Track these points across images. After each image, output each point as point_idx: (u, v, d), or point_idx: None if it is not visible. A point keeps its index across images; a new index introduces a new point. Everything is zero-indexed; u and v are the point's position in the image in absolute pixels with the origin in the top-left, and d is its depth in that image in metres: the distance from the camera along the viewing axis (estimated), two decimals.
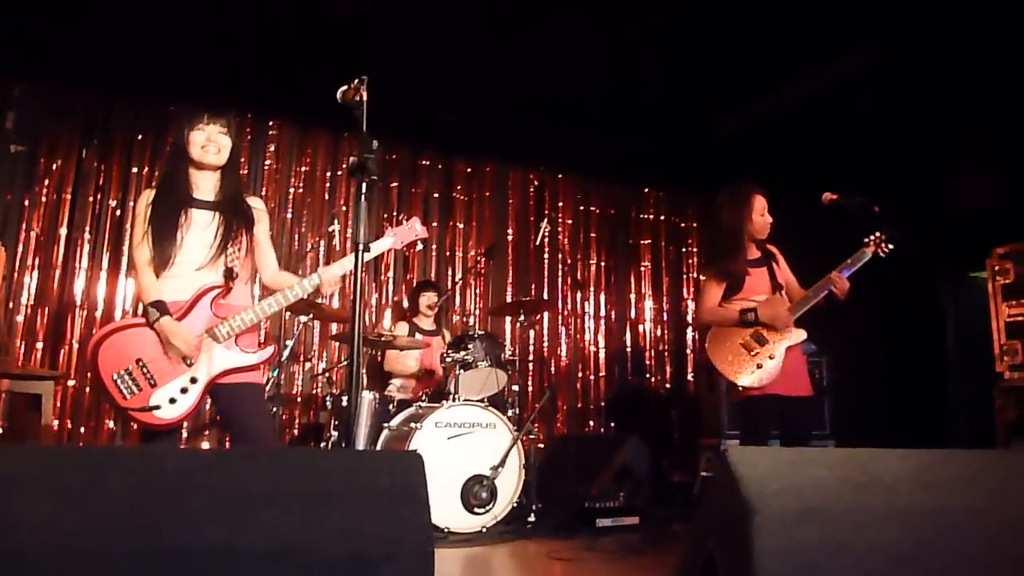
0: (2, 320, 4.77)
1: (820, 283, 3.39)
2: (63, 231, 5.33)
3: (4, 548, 1.20)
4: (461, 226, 6.62)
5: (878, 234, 3.41)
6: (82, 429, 5.19)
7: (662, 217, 7.54)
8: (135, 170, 5.57)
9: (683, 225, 7.64)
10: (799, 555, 1.65)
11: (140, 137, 5.60)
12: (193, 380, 2.56)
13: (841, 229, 3.56)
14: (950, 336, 5.47)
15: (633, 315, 7.25)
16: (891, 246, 3.39)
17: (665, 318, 7.39)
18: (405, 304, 6.07)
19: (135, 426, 2.55)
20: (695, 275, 7.55)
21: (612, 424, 6.81)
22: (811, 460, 1.86)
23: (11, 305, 5.07)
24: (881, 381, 5.85)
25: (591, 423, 6.84)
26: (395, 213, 6.30)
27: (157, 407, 2.50)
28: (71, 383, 5.20)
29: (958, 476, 1.90)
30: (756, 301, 3.42)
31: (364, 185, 2.13)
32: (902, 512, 1.76)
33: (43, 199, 5.31)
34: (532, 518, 4.36)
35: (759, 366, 3.32)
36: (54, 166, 5.37)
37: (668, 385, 7.22)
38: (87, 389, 5.22)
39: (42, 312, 5.22)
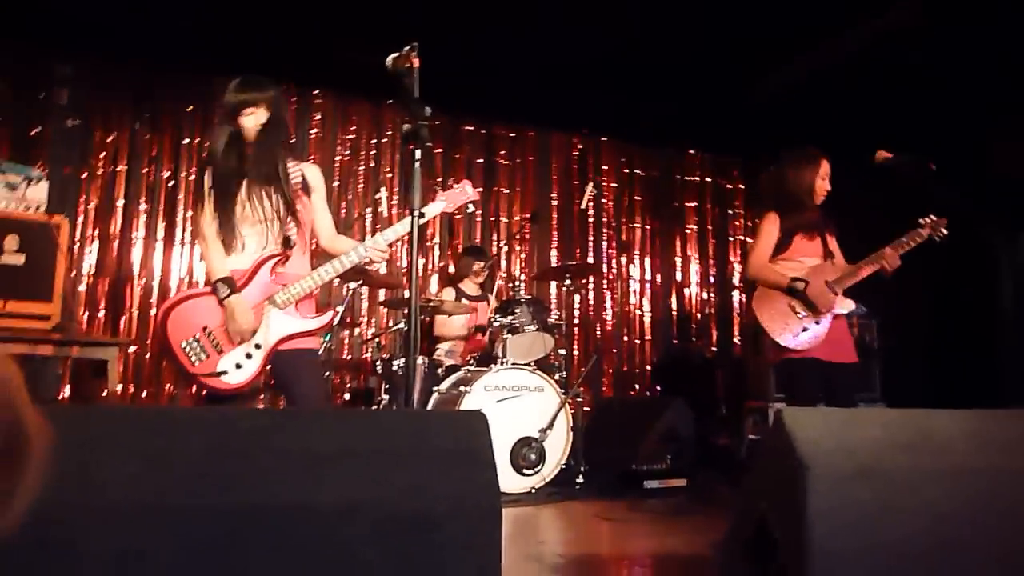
0: (68, 288, 4.95)
1: (871, 258, 3.35)
2: (119, 203, 5.49)
3: (91, 504, 1.28)
4: (505, 191, 6.64)
5: (935, 217, 3.35)
6: (144, 394, 5.39)
7: (707, 179, 7.44)
8: (186, 141, 5.70)
9: (728, 187, 7.53)
10: (852, 513, 1.67)
11: (189, 109, 5.72)
12: (257, 346, 2.65)
13: (889, 194, 3.50)
14: (1003, 296, 5.35)
15: (679, 278, 7.22)
16: (945, 231, 3.33)
17: (711, 281, 7.34)
18: (451, 269, 6.13)
19: (203, 392, 2.66)
20: (741, 237, 7.46)
21: (658, 388, 6.82)
22: (864, 420, 1.87)
23: (74, 274, 5.26)
24: (933, 342, 5.77)
25: (636, 387, 6.87)
26: (440, 179, 6.34)
27: (224, 372, 2.60)
28: (132, 349, 5.40)
29: (1011, 437, 1.89)
30: (807, 267, 3.40)
31: (418, 152, 2.16)
32: (955, 472, 1.77)
33: (99, 172, 5.47)
34: (580, 479, 4.43)
35: (804, 329, 3.31)
36: (108, 139, 5.51)
37: (714, 348, 7.20)
38: (147, 355, 5.41)
39: (102, 281, 5.41)
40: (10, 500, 0.60)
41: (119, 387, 5.17)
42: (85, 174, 5.42)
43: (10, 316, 3.42)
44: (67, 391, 5.14)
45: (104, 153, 5.50)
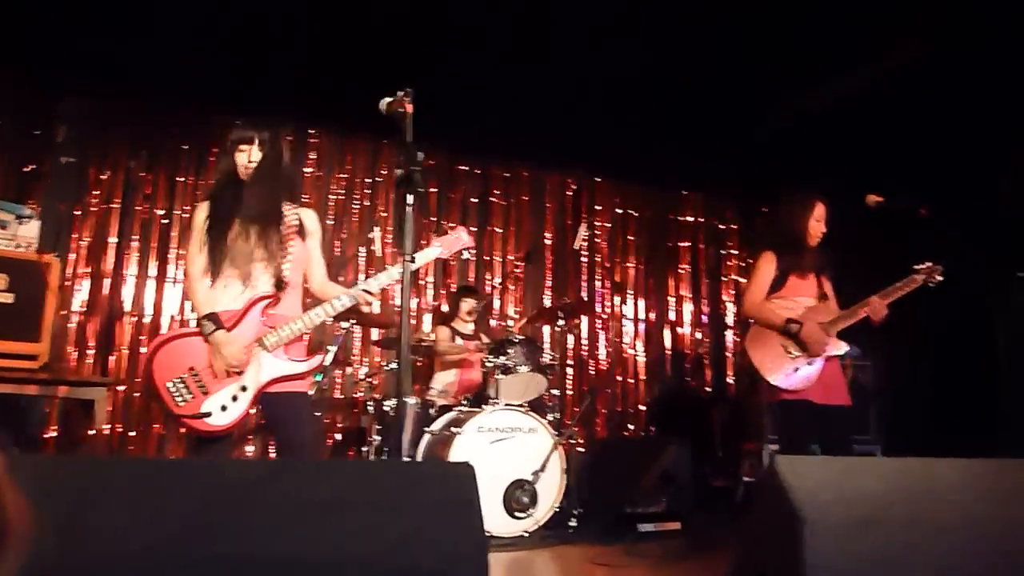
0: (58, 327, 4.91)
1: (858, 305, 3.37)
2: (112, 240, 5.48)
3: (79, 556, 1.24)
4: (500, 231, 6.65)
5: (930, 264, 3.38)
6: (132, 433, 5.31)
7: (701, 219, 7.47)
8: (181, 179, 5.71)
9: (722, 227, 7.55)
10: (851, 567, 1.63)
11: (185, 147, 5.73)
12: (243, 388, 2.61)
13: (888, 236, 3.53)
14: (999, 339, 5.34)
15: (672, 318, 7.20)
16: (940, 278, 3.36)
17: (705, 321, 7.32)
18: (445, 308, 6.11)
19: (185, 431, 2.62)
20: (734, 277, 7.47)
21: (653, 428, 6.77)
22: (862, 470, 1.84)
23: (64, 312, 5.21)
24: (928, 386, 5.73)
25: (631, 427, 6.81)
26: (433, 218, 6.35)
27: (208, 414, 2.56)
28: (121, 388, 5.33)
29: (1014, 486, 1.86)
30: (802, 306, 3.41)
31: (410, 197, 2.15)
32: (957, 523, 1.73)
33: (93, 209, 5.46)
34: (574, 523, 4.36)
35: (796, 369, 3.31)
36: (103, 177, 5.51)
37: (708, 389, 7.16)
38: (136, 395, 5.35)
39: (93, 320, 5.36)
40: None
41: (107, 427, 5.10)
42: (79, 211, 5.41)
43: None
44: (55, 431, 5.07)
45: (98, 191, 5.49)
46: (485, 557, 1.34)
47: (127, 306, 5.46)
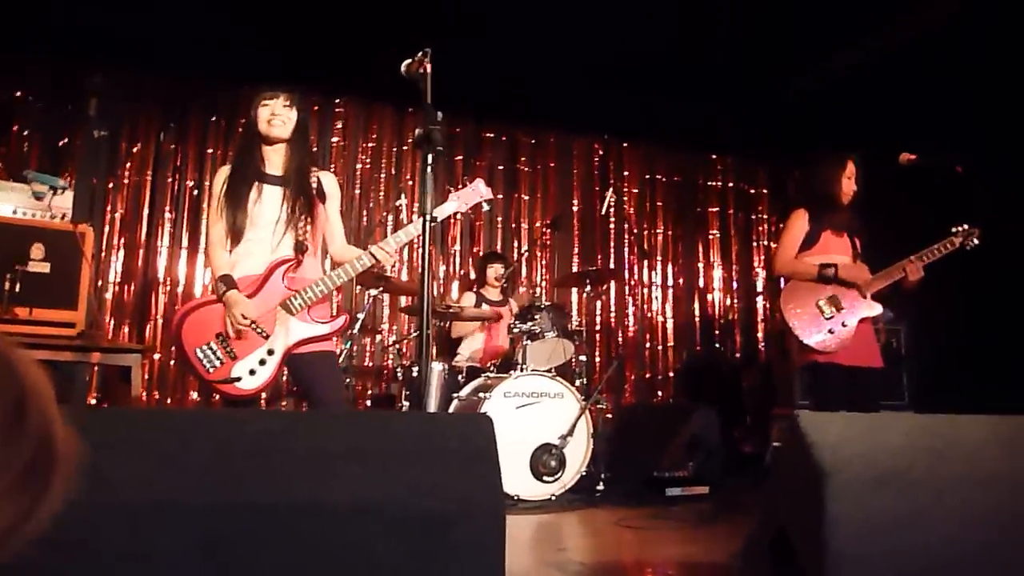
0: (93, 296, 5.02)
1: (893, 267, 3.32)
2: (145, 212, 5.57)
3: (102, 503, 1.28)
4: (526, 197, 6.63)
5: (967, 226, 3.31)
6: (169, 400, 5.44)
7: (730, 184, 7.37)
8: (211, 151, 5.77)
9: (752, 191, 7.44)
10: (873, 521, 1.63)
11: (214, 119, 5.79)
12: (270, 352, 2.65)
13: (923, 197, 3.46)
14: None
15: (702, 284, 7.15)
16: (977, 241, 3.30)
17: (735, 286, 7.26)
18: (472, 275, 6.13)
19: (218, 397, 2.67)
20: (765, 242, 7.38)
21: (683, 394, 6.76)
22: (886, 426, 1.82)
23: (100, 283, 5.33)
24: (961, 349, 5.63)
25: (659, 393, 6.81)
26: (460, 186, 6.33)
27: (239, 379, 2.61)
28: (157, 356, 5.46)
29: None
30: (838, 263, 3.38)
31: (430, 157, 2.16)
32: (982, 478, 1.71)
33: (125, 181, 5.55)
34: (601, 487, 4.39)
35: (831, 331, 3.27)
36: (134, 149, 5.60)
37: (738, 355, 7.11)
38: (172, 362, 5.47)
39: (128, 290, 5.48)
40: (35, 513, 0.60)
41: (144, 394, 5.23)
42: (112, 184, 5.50)
43: (35, 323, 3.46)
44: (95, 398, 5.21)
45: (130, 163, 5.58)
46: (501, 506, 1.36)
47: (160, 277, 5.57)
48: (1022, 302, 5.20)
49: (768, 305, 7.21)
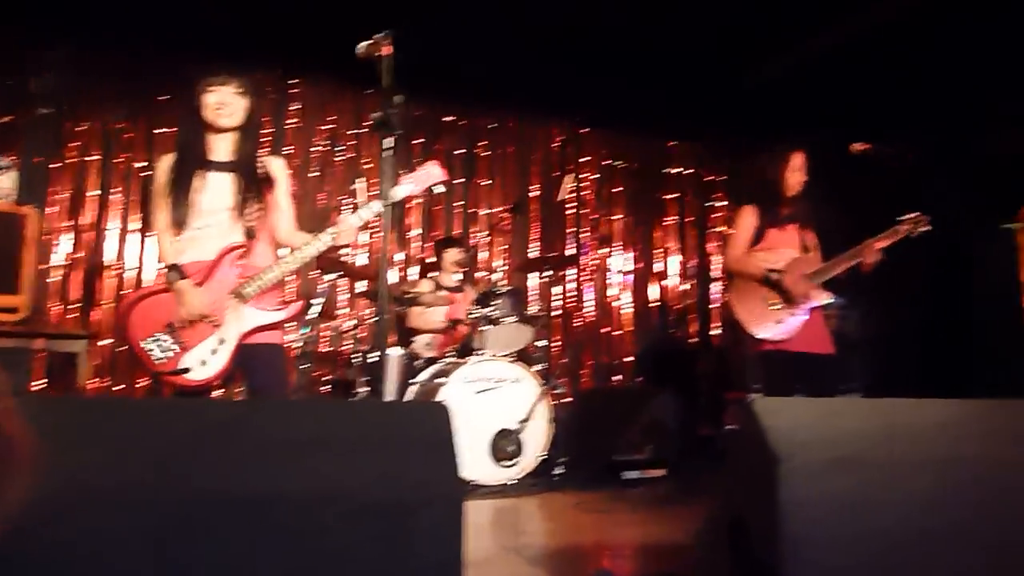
0: (36, 280, 4.86)
1: (850, 252, 3.38)
2: (92, 193, 5.39)
3: (55, 493, 1.24)
4: (486, 183, 6.59)
5: (916, 214, 3.38)
6: (120, 387, 5.30)
7: (688, 171, 7.43)
8: (159, 131, 5.60)
9: (709, 179, 7.52)
10: (827, 505, 1.65)
11: (164, 99, 5.62)
12: (222, 341, 2.59)
13: (875, 186, 3.52)
14: (977, 287, 5.38)
15: (659, 269, 7.21)
16: (926, 228, 3.37)
17: (691, 272, 7.34)
18: (430, 261, 6.09)
19: (168, 389, 2.60)
20: (721, 228, 7.46)
21: (640, 378, 6.83)
22: (840, 410, 1.85)
23: (44, 266, 5.16)
24: (913, 334, 5.79)
25: (618, 377, 6.86)
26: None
27: (187, 370, 2.54)
28: (107, 342, 5.31)
29: (994, 426, 1.88)
30: (785, 259, 3.41)
31: (390, 140, 2.12)
32: (938, 461, 1.75)
33: (71, 161, 5.36)
34: (559, 471, 4.41)
35: (779, 321, 3.32)
36: (80, 128, 5.41)
37: (695, 339, 7.20)
38: (122, 349, 5.33)
39: (75, 274, 5.31)
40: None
41: (92, 381, 5.09)
42: (58, 164, 5.32)
43: None
44: (41, 387, 5.05)
45: (77, 142, 5.39)
46: (460, 495, 1.36)
47: (108, 260, 5.41)
48: (972, 288, 5.36)
49: (723, 291, 7.31)
